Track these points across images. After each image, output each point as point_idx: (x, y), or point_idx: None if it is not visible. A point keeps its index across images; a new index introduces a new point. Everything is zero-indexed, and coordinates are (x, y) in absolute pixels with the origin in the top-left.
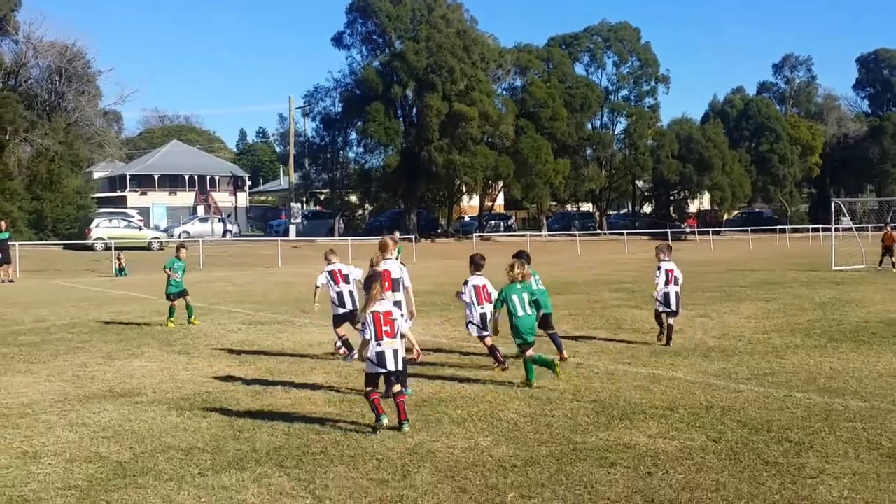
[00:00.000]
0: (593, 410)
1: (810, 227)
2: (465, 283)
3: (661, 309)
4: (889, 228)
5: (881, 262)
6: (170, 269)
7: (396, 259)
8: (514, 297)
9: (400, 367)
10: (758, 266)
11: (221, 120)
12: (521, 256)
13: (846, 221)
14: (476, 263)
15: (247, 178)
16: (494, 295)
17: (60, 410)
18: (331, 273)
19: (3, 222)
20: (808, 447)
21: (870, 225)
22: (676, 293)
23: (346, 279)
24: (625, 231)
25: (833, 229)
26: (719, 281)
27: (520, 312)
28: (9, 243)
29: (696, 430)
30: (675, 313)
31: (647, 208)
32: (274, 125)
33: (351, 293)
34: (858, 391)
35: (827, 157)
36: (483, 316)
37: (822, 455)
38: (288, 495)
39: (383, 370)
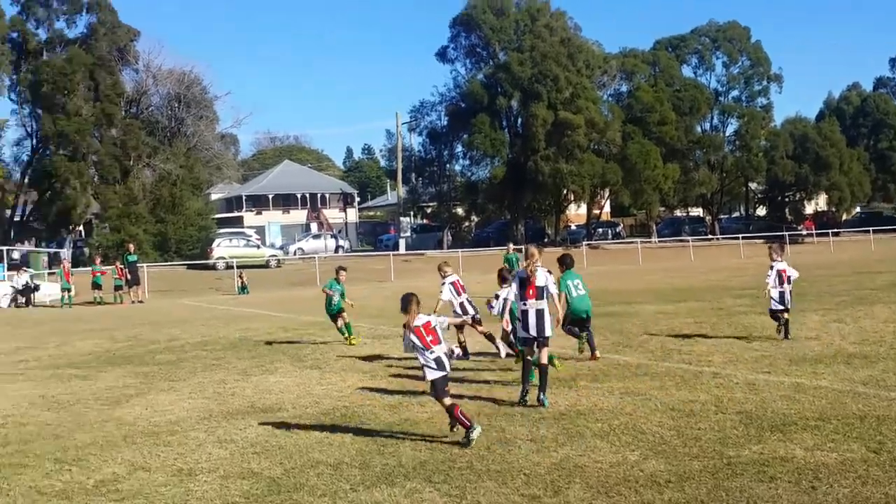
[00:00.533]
0: (741, 423)
1: None
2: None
3: (776, 307)
4: None
5: None
6: (329, 290)
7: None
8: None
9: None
10: (884, 268)
11: (328, 139)
12: (565, 261)
13: None
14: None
15: (355, 195)
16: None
17: (207, 427)
18: (452, 284)
19: (131, 245)
20: None
21: None
22: (790, 291)
23: (464, 289)
24: (739, 235)
25: None
26: (847, 284)
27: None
28: (137, 265)
29: (853, 441)
30: (788, 310)
31: (761, 211)
32: (379, 142)
33: (469, 300)
34: None
35: None
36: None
37: None
38: None
39: (446, 372)
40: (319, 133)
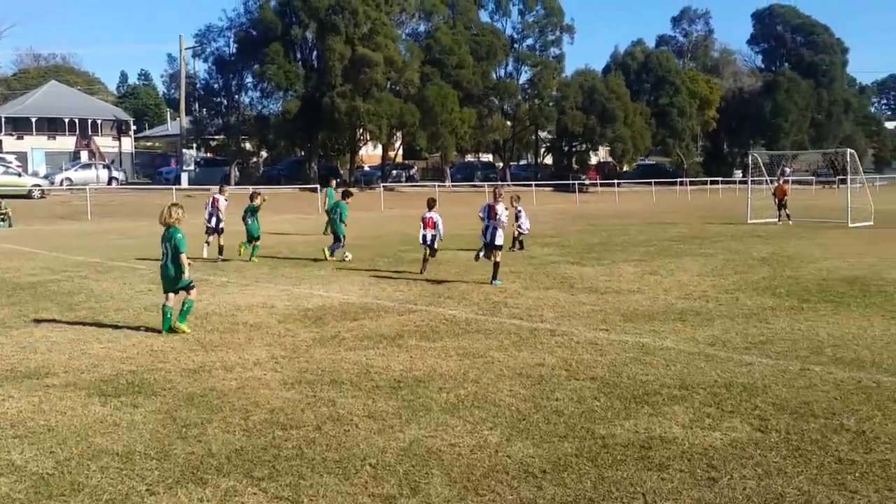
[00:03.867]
0: (600, 392)
1: (708, 179)
2: None
3: (525, 232)
4: (781, 182)
5: (780, 216)
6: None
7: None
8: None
9: None
10: (672, 219)
11: (100, 60)
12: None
13: (737, 174)
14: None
15: (131, 123)
16: None
17: None
18: (212, 201)
19: None
20: (873, 438)
21: (763, 178)
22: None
23: (215, 206)
24: (532, 182)
25: (749, 182)
26: (644, 234)
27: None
28: None
29: (730, 416)
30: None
31: (549, 160)
32: (158, 67)
33: (220, 213)
34: (878, 363)
35: (722, 111)
36: None
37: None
38: None
39: None
40: (90, 53)
